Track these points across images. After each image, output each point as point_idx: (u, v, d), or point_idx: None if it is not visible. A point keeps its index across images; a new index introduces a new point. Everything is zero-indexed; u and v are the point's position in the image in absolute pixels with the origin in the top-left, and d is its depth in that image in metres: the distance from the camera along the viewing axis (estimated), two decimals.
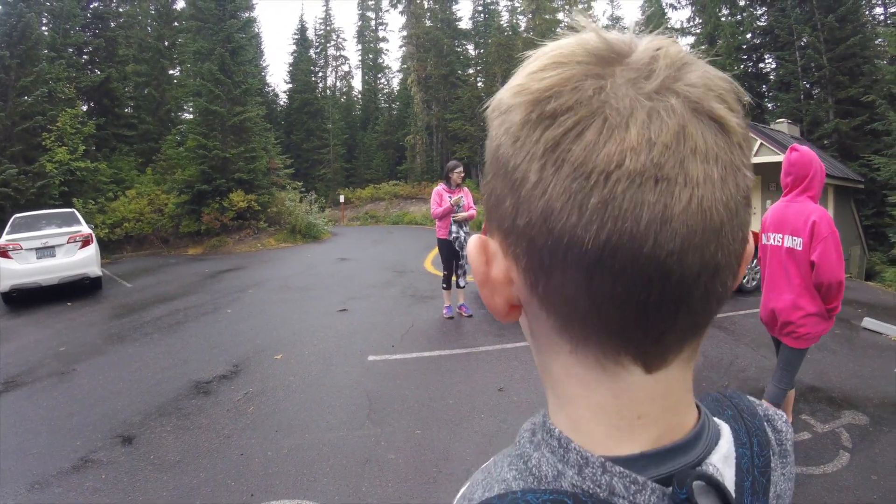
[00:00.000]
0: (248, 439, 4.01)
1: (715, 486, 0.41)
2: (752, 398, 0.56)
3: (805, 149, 3.44)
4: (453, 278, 7.71)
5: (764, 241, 3.58)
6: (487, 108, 0.44)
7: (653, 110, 0.36)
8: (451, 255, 7.51)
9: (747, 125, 0.42)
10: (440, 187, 7.37)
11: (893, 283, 12.12)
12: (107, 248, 16.81)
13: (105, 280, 11.37)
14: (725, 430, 0.48)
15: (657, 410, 0.42)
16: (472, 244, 0.45)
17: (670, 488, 0.39)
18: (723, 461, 0.45)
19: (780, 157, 14.96)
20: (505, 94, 0.43)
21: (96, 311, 8.89)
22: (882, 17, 24.14)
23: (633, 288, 0.37)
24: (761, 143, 15.66)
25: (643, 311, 0.38)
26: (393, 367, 5.69)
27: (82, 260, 10.08)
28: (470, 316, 7.85)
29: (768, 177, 17.20)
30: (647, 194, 0.35)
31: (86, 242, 10.24)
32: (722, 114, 0.38)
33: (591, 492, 0.39)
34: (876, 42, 21.17)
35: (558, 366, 0.44)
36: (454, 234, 7.36)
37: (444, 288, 7.73)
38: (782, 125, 18.62)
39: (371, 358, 5.96)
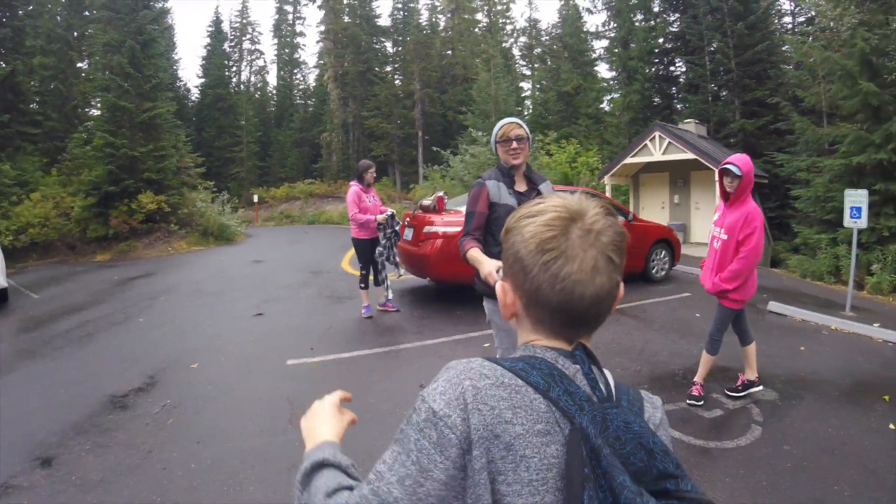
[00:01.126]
0: (169, 453, 3.90)
1: (594, 361, 0.95)
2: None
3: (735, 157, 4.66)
4: (371, 277, 7.77)
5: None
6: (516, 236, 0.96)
7: (587, 254, 0.88)
8: (370, 253, 7.57)
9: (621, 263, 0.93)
10: (356, 187, 7.45)
11: (797, 269, 12.90)
12: (11, 256, 15.79)
13: (11, 291, 10.72)
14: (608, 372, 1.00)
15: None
16: (499, 287, 1.00)
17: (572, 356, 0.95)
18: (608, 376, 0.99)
19: (686, 155, 15.71)
20: (528, 231, 0.92)
21: (3, 326, 8.32)
22: (790, 26, 25.64)
23: (568, 318, 0.92)
24: (669, 142, 16.38)
25: (571, 324, 0.94)
26: (313, 369, 5.67)
27: None
28: (397, 311, 7.97)
29: (675, 173, 18.14)
30: (579, 287, 0.88)
31: None
32: (614, 258, 0.91)
33: (539, 355, 0.94)
34: (783, 48, 22.49)
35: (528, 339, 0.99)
36: (379, 252, 7.49)
37: (361, 287, 7.76)
38: (690, 125, 19.59)
39: (290, 362, 5.90)
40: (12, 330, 8.01)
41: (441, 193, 8.74)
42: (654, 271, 10.22)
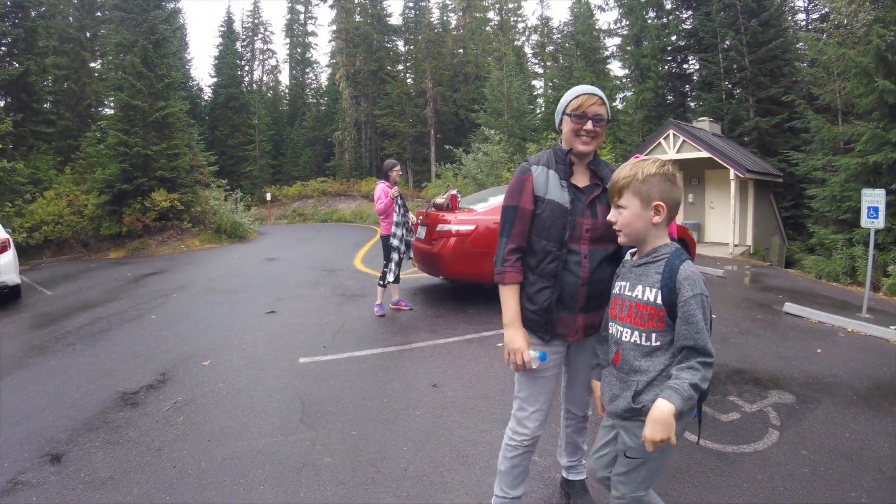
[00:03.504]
0: (179, 451, 3.87)
1: None
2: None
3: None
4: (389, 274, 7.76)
5: None
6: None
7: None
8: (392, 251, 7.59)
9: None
10: (383, 185, 7.55)
11: (812, 269, 12.80)
12: (25, 253, 16.02)
13: (24, 288, 10.82)
14: None
15: None
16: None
17: None
18: None
19: (701, 154, 15.56)
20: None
21: (16, 322, 8.42)
22: (804, 23, 25.41)
23: (678, 207, 2.10)
24: (683, 140, 16.23)
25: (675, 213, 2.13)
26: (325, 368, 5.62)
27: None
28: (410, 309, 7.96)
29: (690, 172, 17.89)
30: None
31: (2, 249, 9.64)
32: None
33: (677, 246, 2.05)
34: (797, 46, 22.30)
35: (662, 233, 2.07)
36: (393, 231, 7.48)
37: (379, 284, 7.74)
38: (704, 123, 19.42)
39: (302, 360, 5.87)
40: (25, 326, 8.06)
41: (454, 192, 8.70)
42: None
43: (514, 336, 2.47)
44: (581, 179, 2.57)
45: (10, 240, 10.03)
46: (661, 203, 2.04)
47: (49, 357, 6.39)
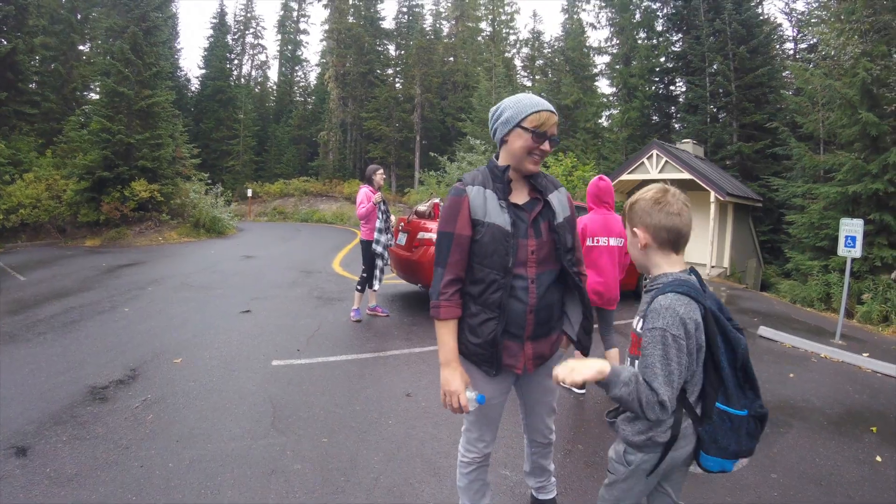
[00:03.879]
0: (147, 450, 3.81)
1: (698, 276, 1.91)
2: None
3: (607, 178, 5.10)
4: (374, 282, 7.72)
5: (590, 243, 4.90)
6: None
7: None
8: (374, 258, 7.54)
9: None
10: (366, 189, 7.50)
11: (787, 294, 12.93)
12: (0, 236, 15.75)
13: None
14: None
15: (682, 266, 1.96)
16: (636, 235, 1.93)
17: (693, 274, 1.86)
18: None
19: (683, 175, 15.71)
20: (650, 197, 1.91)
21: None
22: (792, 52, 25.84)
23: (677, 235, 1.95)
24: (666, 161, 16.38)
25: (677, 243, 1.96)
26: (298, 372, 5.57)
27: None
28: (387, 316, 7.92)
29: None
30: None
31: None
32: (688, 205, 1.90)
33: (681, 278, 1.91)
34: (783, 74, 22.68)
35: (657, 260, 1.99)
36: (375, 238, 7.43)
37: (357, 289, 7.70)
38: (687, 145, 19.64)
39: (275, 363, 5.82)
40: None
41: (437, 200, 8.69)
42: (643, 285, 10.22)
43: (451, 377, 2.29)
44: (520, 196, 2.39)
45: None
46: (638, 231, 2.00)
47: (19, 345, 6.25)
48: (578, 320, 2.50)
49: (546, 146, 2.29)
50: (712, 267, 15.92)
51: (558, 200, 2.45)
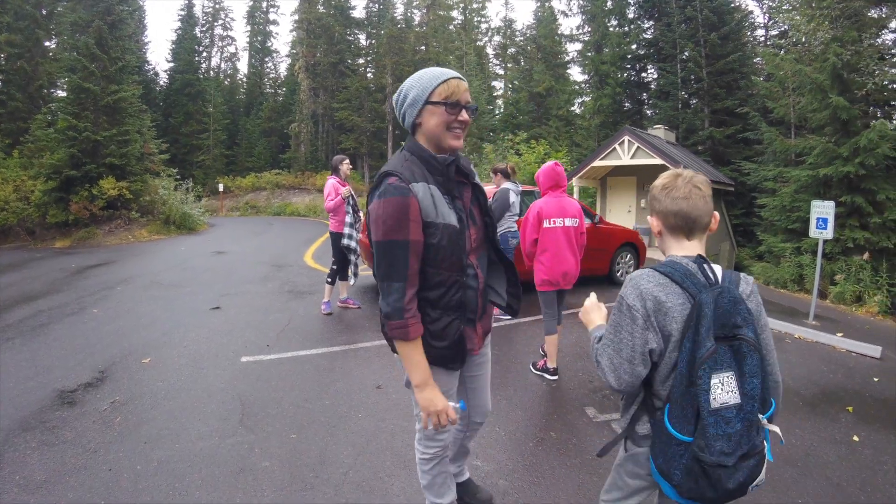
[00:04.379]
0: (115, 453, 3.76)
1: (707, 262, 1.79)
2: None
3: (560, 164, 5.28)
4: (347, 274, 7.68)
5: (547, 224, 5.06)
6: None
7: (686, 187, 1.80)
8: (344, 251, 7.49)
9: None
10: (333, 180, 7.42)
11: (760, 276, 13.08)
12: None
13: None
14: (718, 268, 1.79)
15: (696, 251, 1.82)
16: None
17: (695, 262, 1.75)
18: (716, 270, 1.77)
19: (654, 160, 15.80)
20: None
21: None
22: (763, 39, 26.08)
23: (685, 219, 1.81)
24: (638, 147, 16.46)
25: (688, 228, 1.82)
26: (267, 367, 5.54)
27: None
28: (358, 308, 7.89)
29: (643, 178, 18.24)
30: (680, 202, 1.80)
31: None
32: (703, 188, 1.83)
33: (678, 261, 1.78)
34: (754, 60, 22.88)
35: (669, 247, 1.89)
36: (347, 233, 7.37)
37: (328, 282, 7.67)
38: (659, 131, 19.79)
39: (244, 359, 5.77)
40: None
41: None
42: (619, 274, 10.29)
43: (433, 397, 2.13)
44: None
45: None
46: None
47: None
48: (504, 287, 2.47)
49: (464, 115, 2.12)
50: None
51: (478, 181, 2.39)
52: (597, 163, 17.90)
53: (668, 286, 1.73)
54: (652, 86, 26.72)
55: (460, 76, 2.13)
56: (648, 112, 26.49)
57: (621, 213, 19.20)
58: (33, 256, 14.42)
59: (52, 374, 5.35)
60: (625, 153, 16.90)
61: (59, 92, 23.92)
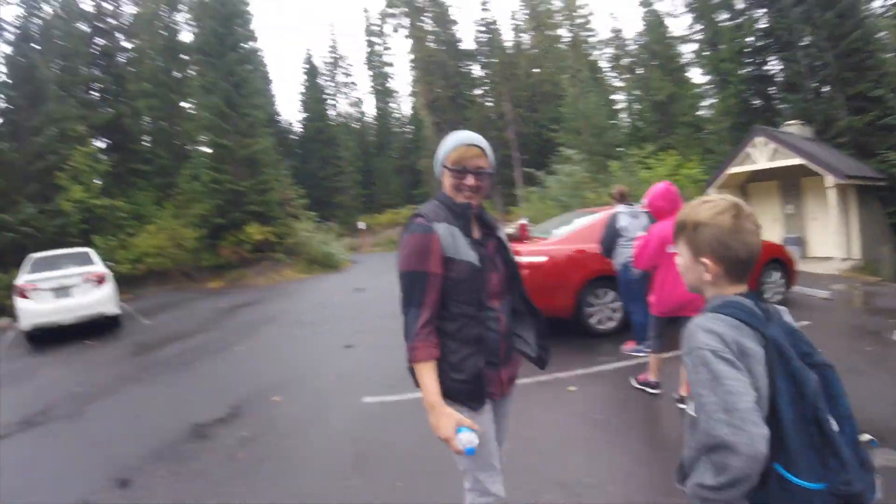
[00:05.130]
0: (235, 487, 3.99)
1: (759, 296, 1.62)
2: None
3: (672, 184, 5.17)
4: None
5: (670, 249, 4.62)
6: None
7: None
8: None
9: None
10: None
11: None
12: (130, 283, 17.14)
13: (125, 317, 11.66)
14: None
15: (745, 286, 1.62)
16: (696, 263, 1.65)
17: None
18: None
19: (796, 160, 14.53)
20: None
21: (112, 350, 9.17)
22: (881, 11, 23.54)
23: (747, 262, 1.59)
24: (776, 149, 15.23)
25: (743, 269, 1.60)
26: (387, 409, 5.52)
27: (98, 299, 10.47)
28: None
29: (787, 181, 16.75)
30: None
31: (101, 281, 10.62)
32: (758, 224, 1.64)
33: (735, 300, 1.56)
34: (878, 35, 20.59)
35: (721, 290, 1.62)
36: None
37: None
38: (793, 127, 18.03)
39: (366, 399, 5.79)
40: (120, 355, 8.77)
41: (524, 221, 8.55)
42: (767, 296, 9.20)
43: (439, 423, 2.20)
44: (476, 232, 2.42)
45: (108, 273, 10.91)
46: (708, 261, 1.61)
47: (137, 385, 6.89)
48: (533, 338, 2.59)
49: (469, 180, 2.32)
50: (843, 259, 14.42)
51: (503, 235, 2.56)
52: (733, 169, 16.61)
53: (740, 328, 1.46)
54: (777, 78, 24.83)
55: (474, 141, 2.35)
56: (780, 107, 24.61)
57: (766, 224, 17.40)
58: (188, 297, 15.81)
59: (190, 408, 5.83)
60: (761, 156, 15.70)
61: (200, 148, 26.24)
